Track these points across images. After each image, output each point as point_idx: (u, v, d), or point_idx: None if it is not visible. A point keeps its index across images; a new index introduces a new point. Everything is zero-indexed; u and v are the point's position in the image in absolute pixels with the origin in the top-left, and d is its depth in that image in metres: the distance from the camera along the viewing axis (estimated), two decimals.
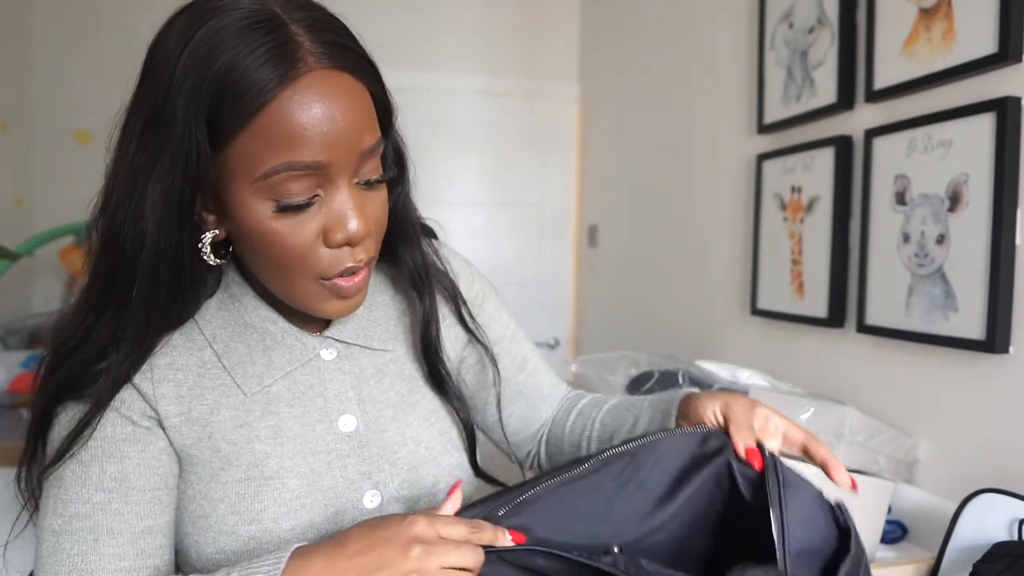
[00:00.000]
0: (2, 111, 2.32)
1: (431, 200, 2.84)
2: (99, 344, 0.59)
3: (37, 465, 0.62)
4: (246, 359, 0.66)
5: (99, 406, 0.60)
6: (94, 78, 2.40)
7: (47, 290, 2.40)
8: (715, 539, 0.63)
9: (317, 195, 0.57)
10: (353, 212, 0.58)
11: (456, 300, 0.78)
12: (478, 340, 0.79)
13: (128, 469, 0.61)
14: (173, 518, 0.64)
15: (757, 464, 0.60)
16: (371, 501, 0.68)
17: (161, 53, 0.55)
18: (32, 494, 0.63)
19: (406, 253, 0.73)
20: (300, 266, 0.59)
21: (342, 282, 0.61)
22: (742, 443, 0.62)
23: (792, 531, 0.55)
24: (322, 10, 0.59)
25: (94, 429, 0.60)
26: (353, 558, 0.51)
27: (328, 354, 0.70)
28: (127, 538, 0.60)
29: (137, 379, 0.62)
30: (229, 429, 0.64)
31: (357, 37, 0.60)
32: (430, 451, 0.72)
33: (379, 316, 0.75)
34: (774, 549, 0.54)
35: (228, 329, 0.66)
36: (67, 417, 0.61)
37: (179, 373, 0.64)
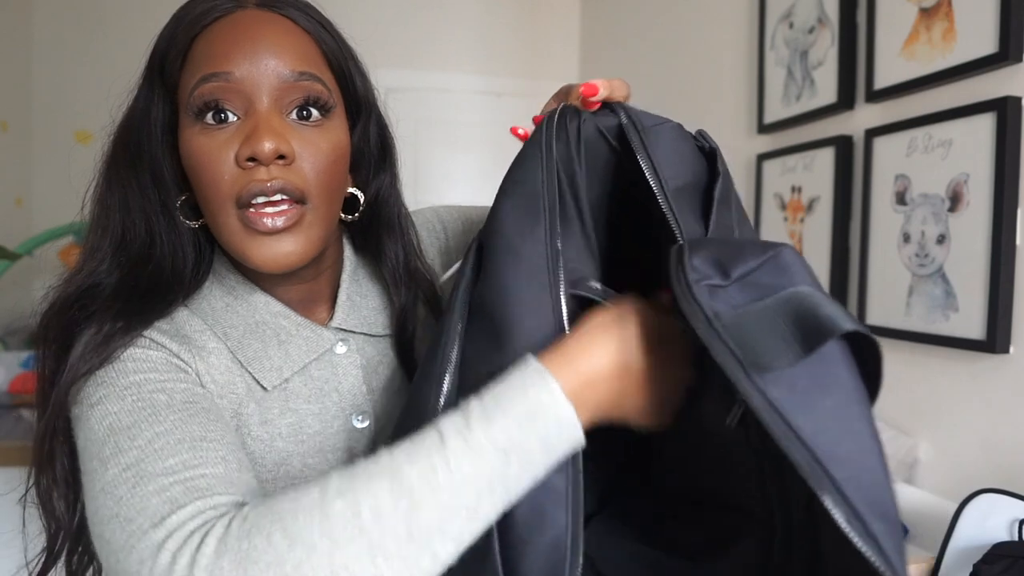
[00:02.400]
0: (2, 111, 2.32)
1: (431, 200, 2.83)
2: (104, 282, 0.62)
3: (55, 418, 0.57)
4: (262, 354, 0.65)
5: (129, 328, 0.58)
6: (94, 78, 2.39)
7: (47, 290, 2.40)
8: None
9: (237, 117, 0.60)
10: (266, 130, 0.58)
11: (434, 304, 0.78)
12: None
13: (196, 396, 0.58)
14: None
15: (592, 92, 0.60)
16: None
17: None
18: (49, 454, 0.57)
19: (389, 248, 0.73)
20: (216, 186, 0.59)
21: (257, 213, 0.58)
22: (577, 92, 0.62)
23: (664, 171, 0.55)
24: None
25: (130, 343, 0.58)
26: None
27: (341, 348, 0.70)
28: (224, 445, 0.54)
29: (176, 348, 0.61)
30: (255, 425, 0.64)
31: (322, 12, 0.66)
32: None
33: (377, 304, 0.75)
34: (655, 195, 0.54)
35: (239, 329, 0.66)
36: (91, 336, 0.58)
37: (212, 356, 0.63)
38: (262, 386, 0.65)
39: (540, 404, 0.46)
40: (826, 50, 1.46)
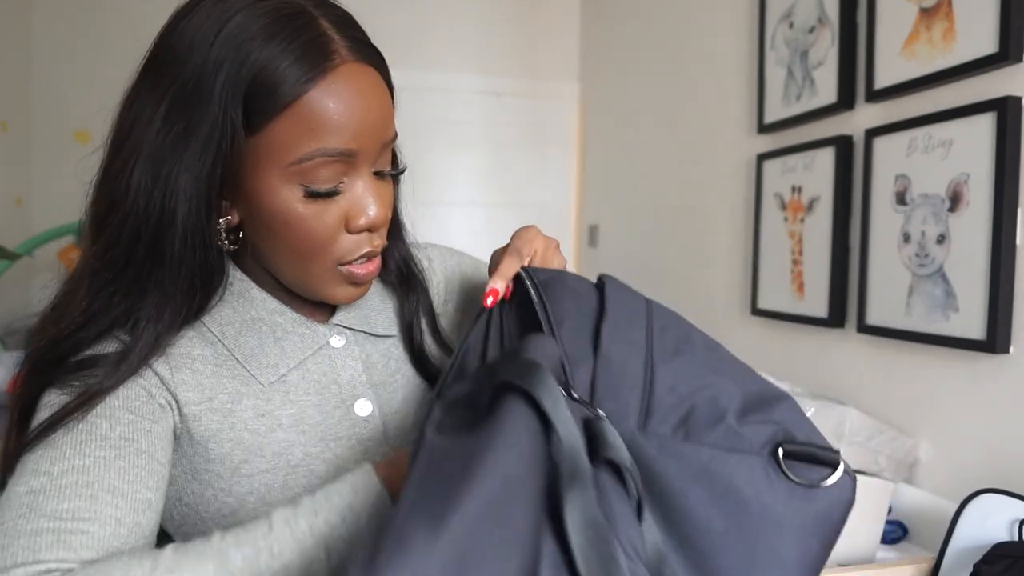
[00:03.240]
0: (2, 111, 2.32)
1: (431, 200, 2.85)
2: (101, 327, 0.59)
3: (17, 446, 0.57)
4: (258, 351, 0.66)
5: (103, 391, 0.57)
6: (94, 78, 2.40)
7: (47, 290, 2.40)
8: None
9: (343, 182, 0.60)
10: (374, 199, 0.61)
11: (430, 312, 0.80)
12: (447, 349, 0.81)
13: (140, 433, 0.57)
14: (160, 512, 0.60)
15: (491, 300, 0.63)
16: None
17: (189, 37, 0.57)
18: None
19: (393, 246, 0.76)
20: (321, 251, 0.61)
21: (357, 269, 0.64)
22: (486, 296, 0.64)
23: (554, 310, 0.58)
24: (340, 7, 0.63)
25: (90, 409, 0.56)
26: None
27: (337, 341, 0.71)
28: (128, 504, 0.54)
29: (153, 363, 0.61)
30: (251, 419, 0.64)
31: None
32: None
33: (376, 304, 0.76)
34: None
35: (235, 325, 0.66)
36: (55, 401, 0.57)
37: (196, 362, 0.63)
38: (259, 381, 0.65)
39: (367, 495, 0.52)
40: (826, 50, 1.46)
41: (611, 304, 0.60)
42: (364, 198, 0.61)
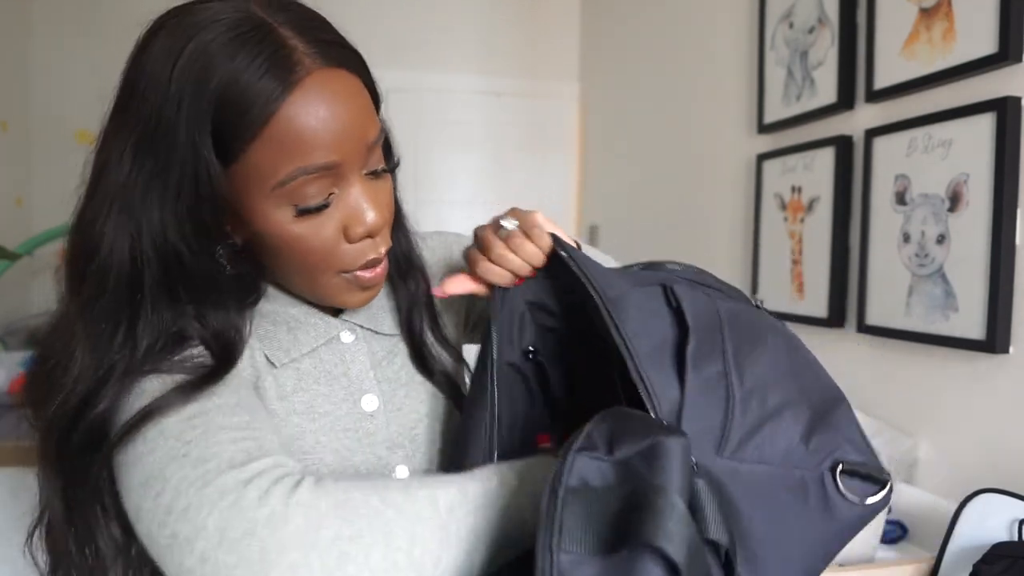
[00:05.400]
0: (2, 111, 2.32)
1: (431, 200, 2.85)
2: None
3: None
4: (272, 336, 0.67)
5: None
6: (94, 78, 2.40)
7: (47, 290, 2.40)
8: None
9: (333, 193, 0.59)
10: (368, 204, 0.60)
11: (431, 305, 0.79)
12: (451, 348, 0.80)
13: (240, 385, 0.58)
14: None
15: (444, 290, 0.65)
16: (400, 475, 0.70)
17: (147, 72, 0.54)
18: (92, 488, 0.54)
19: (396, 242, 0.75)
20: (324, 265, 0.61)
21: (364, 274, 0.63)
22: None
23: (634, 342, 0.56)
24: (301, 6, 0.60)
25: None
26: None
27: (347, 336, 0.71)
28: (269, 423, 0.56)
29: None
30: (273, 399, 0.65)
31: (336, 27, 0.61)
32: (444, 425, 0.75)
33: (382, 303, 0.77)
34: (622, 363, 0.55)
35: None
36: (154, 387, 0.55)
37: None
38: (272, 363, 0.66)
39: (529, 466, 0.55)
40: (826, 50, 1.46)
41: (694, 327, 0.58)
42: (359, 205, 0.60)
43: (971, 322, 1.12)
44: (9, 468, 1.33)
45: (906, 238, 1.25)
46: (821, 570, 0.56)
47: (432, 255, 0.83)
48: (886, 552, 1.13)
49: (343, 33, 0.64)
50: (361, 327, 0.73)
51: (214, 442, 0.50)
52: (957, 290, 1.14)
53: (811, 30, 1.51)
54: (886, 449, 1.21)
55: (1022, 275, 1.06)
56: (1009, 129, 1.05)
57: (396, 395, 0.72)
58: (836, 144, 1.42)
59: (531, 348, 0.69)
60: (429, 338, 0.78)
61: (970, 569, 0.85)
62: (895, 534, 1.17)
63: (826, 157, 1.45)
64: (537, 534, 0.43)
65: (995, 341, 1.07)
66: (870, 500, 0.55)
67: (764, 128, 1.66)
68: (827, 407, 0.59)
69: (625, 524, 0.43)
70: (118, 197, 0.55)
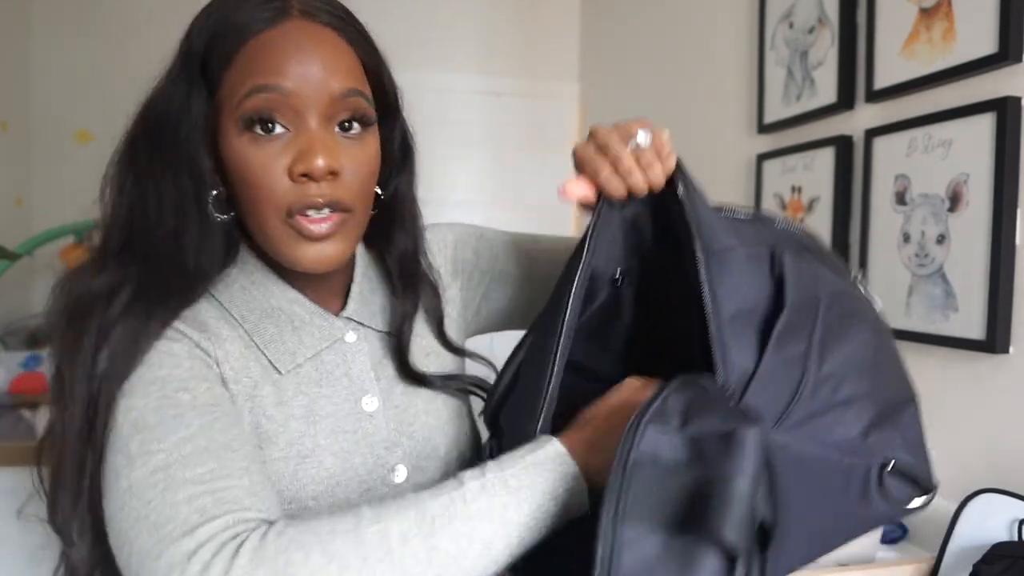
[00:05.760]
0: (2, 111, 2.32)
1: (431, 200, 2.83)
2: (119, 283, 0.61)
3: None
4: (276, 339, 0.67)
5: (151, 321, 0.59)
6: (94, 78, 2.40)
7: (47, 290, 2.40)
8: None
9: (287, 129, 0.60)
10: (318, 147, 0.60)
11: (437, 307, 0.79)
12: (457, 352, 0.81)
13: (218, 397, 0.60)
14: None
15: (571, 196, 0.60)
16: (399, 476, 0.70)
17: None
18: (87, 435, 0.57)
19: (399, 241, 0.75)
20: (268, 199, 0.61)
21: (305, 221, 0.62)
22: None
23: (723, 303, 0.55)
24: None
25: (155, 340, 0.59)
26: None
27: (351, 336, 0.72)
28: (246, 454, 0.56)
29: (197, 338, 0.62)
30: (270, 406, 0.65)
31: (355, 16, 0.67)
32: (439, 420, 0.75)
33: (384, 302, 0.77)
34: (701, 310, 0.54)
35: (256, 312, 0.67)
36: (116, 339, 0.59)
37: (227, 343, 0.65)
38: (277, 369, 0.66)
39: (547, 455, 0.54)
40: (826, 50, 1.46)
41: (790, 304, 0.56)
42: (308, 146, 0.60)
43: (971, 322, 1.12)
44: (9, 468, 1.33)
45: (906, 238, 1.25)
46: (836, 547, 0.57)
47: (446, 250, 0.83)
48: (886, 552, 1.13)
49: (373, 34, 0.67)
50: (363, 325, 0.73)
51: (171, 503, 0.51)
52: (957, 290, 1.14)
53: (811, 30, 1.51)
54: None
55: (1022, 275, 1.06)
56: (1009, 129, 1.05)
57: (394, 393, 0.72)
58: (836, 144, 1.42)
59: (620, 273, 0.65)
60: (426, 343, 0.77)
61: (970, 569, 0.85)
62: (895, 534, 1.17)
63: (826, 157, 1.45)
64: (601, 503, 0.43)
65: (995, 341, 1.07)
66: (911, 504, 0.57)
67: (764, 128, 1.66)
68: (895, 406, 0.59)
69: (693, 508, 0.43)
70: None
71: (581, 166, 0.63)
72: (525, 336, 0.67)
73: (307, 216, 0.61)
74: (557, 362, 0.58)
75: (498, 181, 2.91)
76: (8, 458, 1.43)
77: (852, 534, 0.58)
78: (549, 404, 0.59)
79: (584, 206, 0.64)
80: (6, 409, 1.84)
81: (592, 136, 0.64)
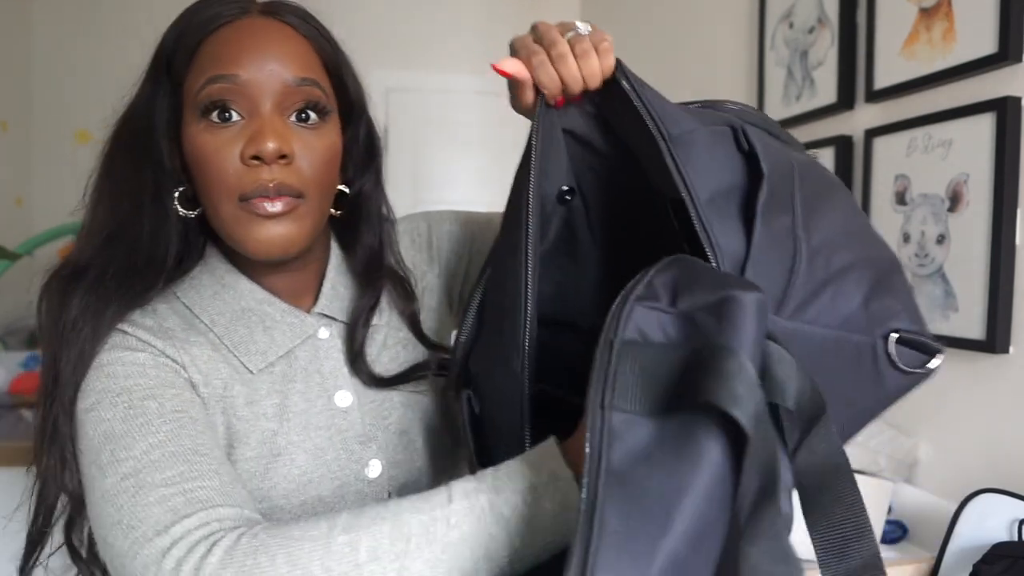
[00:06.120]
0: (2, 111, 2.32)
1: (431, 200, 2.84)
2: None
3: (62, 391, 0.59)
4: (248, 339, 0.67)
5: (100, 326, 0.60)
6: (94, 78, 2.40)
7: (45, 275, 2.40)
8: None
9: (242, 117, 0.62)
10: (268, 131, 0.61)
11: (409, 298, 0.77)
12: (433, 347, 0.79)
13: (186, 403, 0.60)
14: None
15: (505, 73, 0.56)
16: (373, 471, 0.69)
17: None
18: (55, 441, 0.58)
19: (366, 238, 0.75)
20: (220, 181, 0.62)
21: (259, 203, 0.61)
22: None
23: (698, 186, 0.50)
24: None
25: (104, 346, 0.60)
26: None
27: (324, 333, 0.72)
28: (214, 458, 0.57)
29: (161, 345, 0.63)
30: (241, 406, 0.65)
31: (316, 16, 0.68)
32: (417, 412, 0.74)
33: (355, 296, 0.76)
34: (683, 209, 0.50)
35: (226, 315, 0.67)
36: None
37: (194, 347, 0.65)
38: (248, 369, 0.66)
39: (550, 478, 0.49)
40: (826, 50, 1.46)
41: (768, 174, 0.52)
42: (260, 130, 0.61)
43: (971, 322, 1.12)
44: (9, 468, 1.33)
45: (906, 238, 1.25)
46: (856, 432, 0.56)
47: (410, 242, 0.82)
48: (886, 552, 1.13)
49: (344, 32, 0.67)
50: (336, 320, 0.73)
51: (143, 504, 0.52)
52: (957, 290, 1.14)
53: (811, 30, 1.51)
54: (886, 449, 1.21)
55: (1022, 275, 1.06)
56: (1009, 129, 1.05)
57: (368, 388, 0.72)
58: (836, 144, 1.42)
59: (567, 187, 0.60)
60: (402, 335, 0.77)
61: (970, 569, 0.85)
62: (895, 534, 1.17)
63: (826, 157, 1.45)
64: (588, 389, 0.39)
65: (995, 341, 1.07)
66: (928, 367, 0.56)
67: None
68: (888, 271, 0.57)
69: (686, 385, 0.38)
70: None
71: (515, 53, 0.60)
72: (480, 277, 0.63)
73: (261, 198, 0.62)
74: (529, 283, 0.53)
75: (498, 181, 2.90)
76: (8, 458, 1.43)
77: (871, 416, 0.58)
78: (531, 335, 0.53)
79: (517, 94, 0.61)
80: (6, 409, 1.84)
81: (533, 29, 0.61)
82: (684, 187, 0.50)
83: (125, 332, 0.62)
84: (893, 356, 0.54)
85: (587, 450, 0.37)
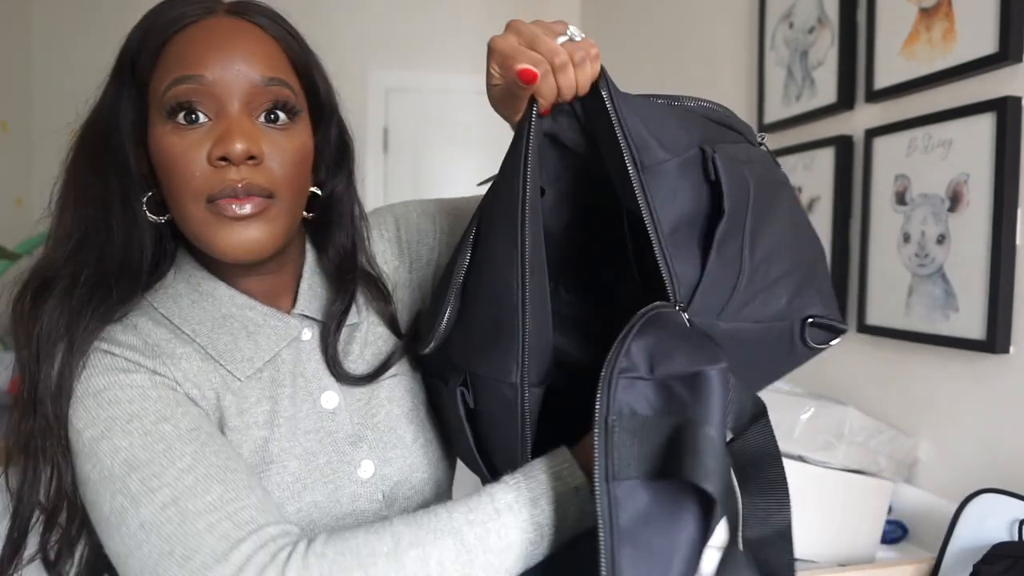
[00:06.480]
0: (2, 111, 2.32)
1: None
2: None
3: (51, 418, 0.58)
4: (233, 347, 0.66)
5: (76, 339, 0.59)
6: (94, 78, 2.40)
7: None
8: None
9: (209, 118, 0.61)
10: (235, 132, 0.60)
11: (384, 299, 0.77)
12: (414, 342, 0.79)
13: (197, 419, 0.60)
14: None
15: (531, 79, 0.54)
16: (365, 472, 0.69)
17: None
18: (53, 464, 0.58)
19: (338, 239, 0.74)
20: (187, 184, 0.61)
21: (226, 203, 0.61)
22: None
23: (660, 215, 0.55)
24: None
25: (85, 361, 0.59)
26: None
27: (307, 334, 0.71)
28: (244, 472, 0.58)
29: (152, 364, 0.62)
30: (233, 416, 0.65)
31: (286, 17, 0.68)
32: (402, 408, 0.74)
33: (332, 296, 0.75)
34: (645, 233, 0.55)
35: (207, 324, 0.67)
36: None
37: (183, 361, 0.64)
38: (236, 377, 0.66)
39: (574, 490, 0.56)
40: (826, 50, 1.46)
41: (729, 210, 0.57)
42: (227, 131, 0.60)
43: (971, 322, 1.12)
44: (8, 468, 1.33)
45: (906, 238, 1.25)
46: (764, 387, 0.69)
47: (387, 233, 0.81)
48: (886, 552, 1.13)
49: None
50: (316, 320, 0.72)
51: (192, 533, 0.53)
52: (957, 290, 1.14)
53: (811, 30, 1.51)
54: (886, 449, 1.21)
55: (1022, 275, 1.06)
56: (1009, 129, 1.05)
57: (355, 387, 0.72)
58: (836, 144, 1.42)
59: (541, 188, 0.63)
60: (381, 330, 0.76)
61: (970, 569, 0.85)
62: (895, 534, 1.17)
63: (826, 157, 1.45)
64: (592, 467, 0.46)
65: (995, 341, 1.07)
66: (830, 344, 0.69)
67: (764, 128, 1.66)
68: (811, 267, 0.67)
69: (671, 457, 0.46)
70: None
71: (505, 61, 0.56)
72: (454, 262, 0.62)
73: (228, 199, 0.61)
74: (528, 283, 0.55)
75: None
76: (8, 458, 1.43)
77: (780, 375, 0.70)
78: (528, 348, 0.58)
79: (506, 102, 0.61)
80: (6, 409, 1.84)
81: (513, 30, 0.57)
82: (651, 221, 0.55)
83: (112, 354, 0.60)
84: (807, 336, 0.66)
85: (599, 512, 0.45)
